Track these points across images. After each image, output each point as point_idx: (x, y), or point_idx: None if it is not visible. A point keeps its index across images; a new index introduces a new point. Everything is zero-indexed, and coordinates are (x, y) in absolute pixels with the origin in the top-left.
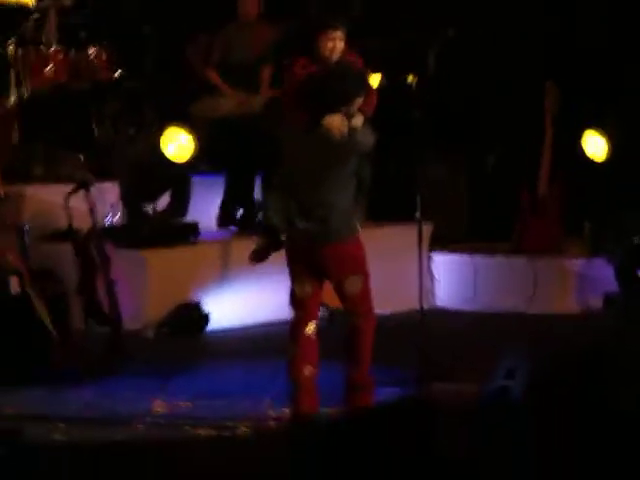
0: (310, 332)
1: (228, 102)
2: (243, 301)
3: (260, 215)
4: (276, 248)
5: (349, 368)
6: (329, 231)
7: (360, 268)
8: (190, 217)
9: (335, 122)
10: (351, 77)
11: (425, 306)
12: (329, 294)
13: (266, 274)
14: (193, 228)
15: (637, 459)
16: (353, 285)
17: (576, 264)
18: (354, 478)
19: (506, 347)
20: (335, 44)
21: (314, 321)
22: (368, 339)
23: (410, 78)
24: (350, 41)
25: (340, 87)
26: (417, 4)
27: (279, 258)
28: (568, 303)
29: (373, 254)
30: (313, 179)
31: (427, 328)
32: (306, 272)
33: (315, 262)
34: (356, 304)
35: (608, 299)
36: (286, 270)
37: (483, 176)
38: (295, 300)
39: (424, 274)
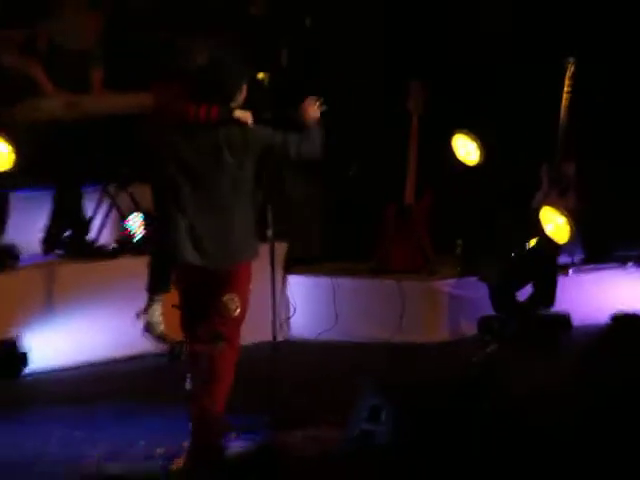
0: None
1: (53, 103)
2: (69, 337)
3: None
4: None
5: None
6: (225, 257)
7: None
8: (8, 239)
9: (246, 115)
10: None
11: (279, 337)
12: (172, 326)
13: (95, 306)
14: (11, 251)
15: None
16: (228, 304)
17: (447, 285)
18: None
19: (369, 383)
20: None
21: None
22: (226, 366)
23: (261, 75)
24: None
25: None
26: None
27: (107, 289)
28: (439, 329)
29: None
30: (204, 193)
31: (280, 363)
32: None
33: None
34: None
35: (483, 324)
36: (116, 303)
37: (342, 187)
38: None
39: (278, 299)
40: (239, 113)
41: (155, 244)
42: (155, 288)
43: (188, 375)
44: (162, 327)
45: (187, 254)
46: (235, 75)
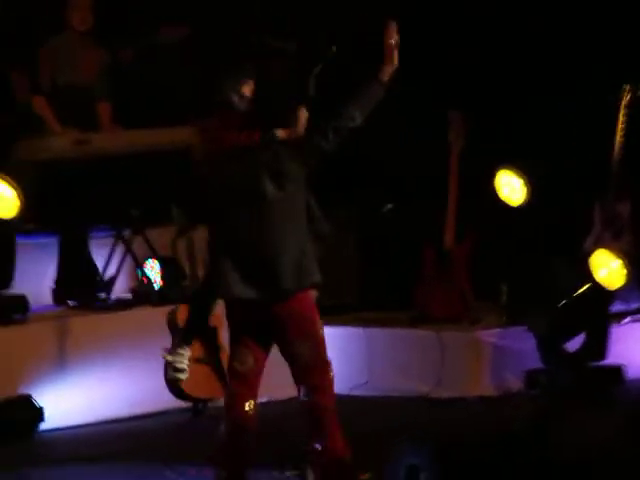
0: (250, 411)
1: (60, 141)
2: (84, 394)
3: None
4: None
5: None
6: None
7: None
8: (17, 289)
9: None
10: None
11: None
12: (192, 379)
13: (111, 360)
14: (21, 303)
15: None
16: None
17: (491, 335)
18: None
19: (406, 440)
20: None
21: (254, 398)
22: (329, 415)
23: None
24: None
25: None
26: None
27: (123, 342)
28: (482, 383)
29: None
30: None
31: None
32: (248, 340)
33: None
34: (308, 374)
35: (530, 377)
36: (133, 356)
37: (377, 231)
38: (234, 374)
39: None
40: (282, 133)
41: (202, 284)
42: (189, 332)
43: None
44: (185, 376)
45: (235, 288)
46: (283, 102)
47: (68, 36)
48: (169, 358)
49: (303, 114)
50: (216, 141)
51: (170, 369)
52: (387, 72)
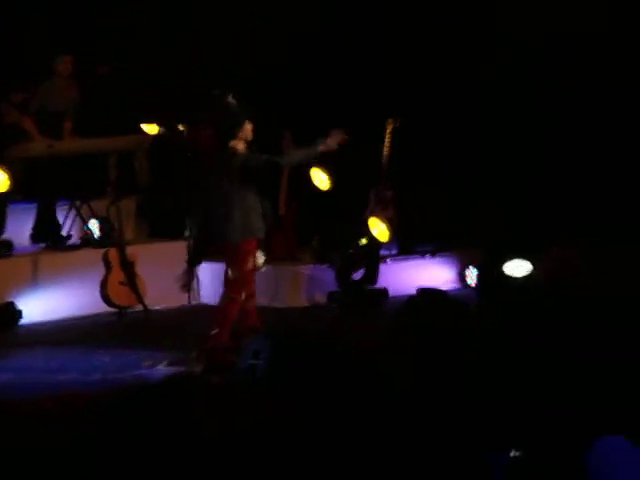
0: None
1: (38, 146)
2: (50, 301)
3: None
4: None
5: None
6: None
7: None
8: (6, 236)
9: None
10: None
11: (193, 302)
12: (117, 294)
13: (67, 280)
14: (7, 244)
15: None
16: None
17: (306, 269)
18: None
19: (253, 333)
20: None
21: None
22: (229, 309)
23: (181, 127)
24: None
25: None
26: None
27: (75, 269)
28: (301, 299)
29: (153, 264)
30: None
31: (194, 320)
32: None
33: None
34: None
35: (331, 296)
36: (82, 278)
37: None
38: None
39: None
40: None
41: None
42: (191, 262)
43: None
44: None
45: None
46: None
47: (56, 80)
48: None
49: (248, 129)
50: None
51: (183, 285)
52: (324, 148)
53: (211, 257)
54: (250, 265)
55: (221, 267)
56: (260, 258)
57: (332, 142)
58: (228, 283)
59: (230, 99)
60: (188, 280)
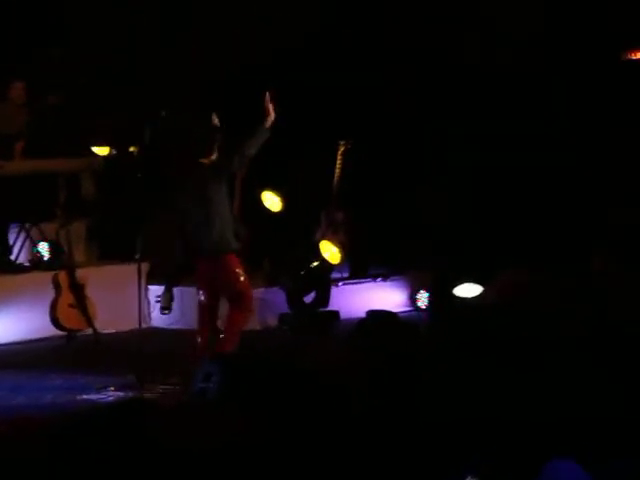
0: None
1: None
2: (0, 323)
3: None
4: None
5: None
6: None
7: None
8: None
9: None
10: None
11: (144, 326)
12: (66, 317)
13: (14, 303)
14: None
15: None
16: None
17: (258, 292)
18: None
19: (205, 357)
20: None
21: None
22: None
23: (132, 148)
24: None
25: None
26: (135, 88)
27: (23, 292)
28: (253, 322)
29: (103, 286)
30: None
31: (144, 343)
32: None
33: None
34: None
35: (282, 318)
36: (29, 301)
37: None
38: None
39: (142, 301)
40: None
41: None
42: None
43: None
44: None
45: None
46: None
47: (8, 104)
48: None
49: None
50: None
51: (160, 309)
52: (269, 122)
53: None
54: (244, 276)
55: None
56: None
57: (268, 113)
58: (236, 297)
59: (213, 117)
60: (169, 301)
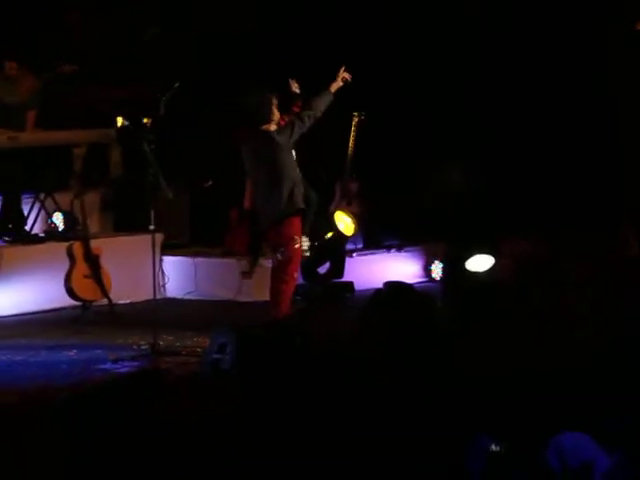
0: None
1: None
2: (14, 294)
3: None
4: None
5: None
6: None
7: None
8: None
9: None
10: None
11: (158, 296)
12: (81, 287)
13: (31, 273)
14: None
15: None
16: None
17: (271, 262)
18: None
19: (219, 327)
20: None
21: None
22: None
23: (145, 119)
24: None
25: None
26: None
27: (39, 263)
28: (266, 293)
29: (118, 258)
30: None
31: (159, 313)
32: None
33: None
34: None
35: (296, 289)
36: (45, 271)
37: (203, 196)
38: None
39: (157, 272)
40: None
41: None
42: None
43: None
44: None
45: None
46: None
47: (5, 75)
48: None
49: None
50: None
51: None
52: (334, 87)
53: (172, 251)
54: (299, 243)
55: (187, 261)
56: (305, 243)
57: (339, 81)
58: (280, 264)
59: (292, 83)
60: (251, 268)
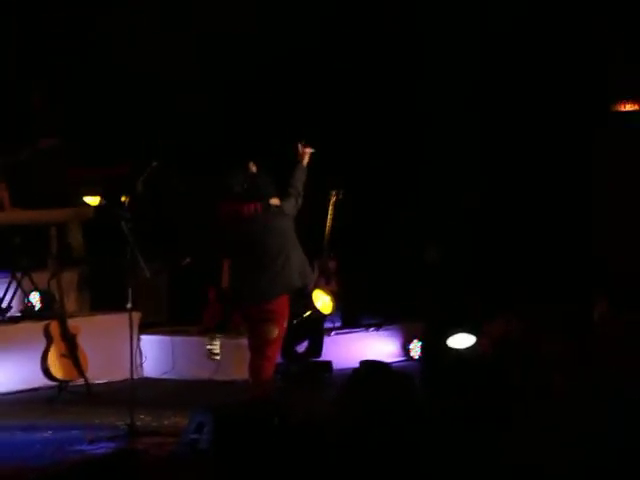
0: None
1: None
2: None
3: None
4: None
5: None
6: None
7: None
8: None
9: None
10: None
11: (135, 376)
12: (58, 367)
13: (6, 353)
14: None
15: None
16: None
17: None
18: None
19: (196, 407)
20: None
21: None
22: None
23: (123, 198)
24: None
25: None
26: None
27: (15, 342)
28: (244, 372)
29: (95, 337)
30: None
31: (137, 393)
32: None
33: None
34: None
35: (275, 368)
36: (21, 350)
37: (181, 274)
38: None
39: (134, 351)
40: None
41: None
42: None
43: None
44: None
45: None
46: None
47: None
48: (208, 347)
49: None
50: (234, 213)
51: (208, 353)
52: (305, 162)
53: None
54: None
55: (165, 340)
56: (216, 346)
57: (305, 158)
58: (266, 343)
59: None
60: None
